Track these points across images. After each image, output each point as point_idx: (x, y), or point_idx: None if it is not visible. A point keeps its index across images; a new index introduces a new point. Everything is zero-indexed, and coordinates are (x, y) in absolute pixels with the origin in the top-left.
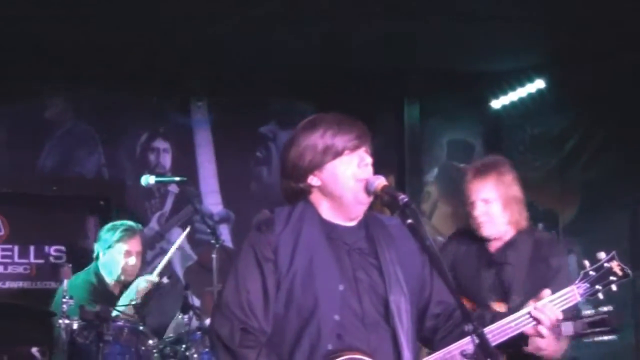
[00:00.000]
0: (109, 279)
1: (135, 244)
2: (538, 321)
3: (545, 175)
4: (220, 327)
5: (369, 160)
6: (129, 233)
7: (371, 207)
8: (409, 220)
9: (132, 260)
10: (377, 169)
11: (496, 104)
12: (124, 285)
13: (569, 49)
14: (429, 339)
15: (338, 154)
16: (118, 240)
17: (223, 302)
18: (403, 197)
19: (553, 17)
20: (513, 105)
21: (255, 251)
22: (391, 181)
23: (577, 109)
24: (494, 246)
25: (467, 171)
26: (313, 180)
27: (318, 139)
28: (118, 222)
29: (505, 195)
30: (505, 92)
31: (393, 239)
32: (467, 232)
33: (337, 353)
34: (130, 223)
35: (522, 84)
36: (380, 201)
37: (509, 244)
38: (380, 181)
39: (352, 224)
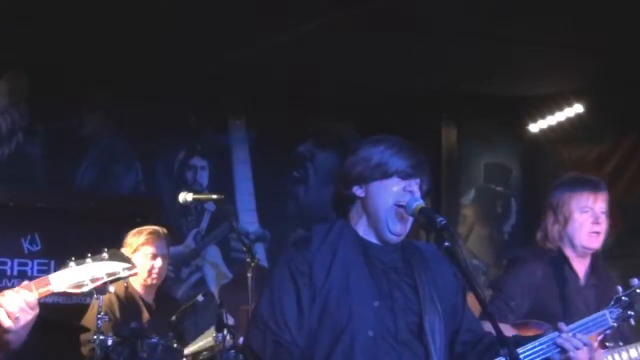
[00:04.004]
0: (135, 284)
1: (160, 247)
2: (563, 349)
3: None
4: (253, 339)
5: (415, 189)
6: (154, 236)
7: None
8: (446, 243)
9: (158, 263)
10: None
11: (534, 127)
12: (149, 288)
13: (607, 74)
14: None
15: (387, 174)
16: (144, 243)
17: (257, 315)
18: (441, 220)
19: (592, 42)
20: (551, 129)
21: (289, 266)
22: (428, 203)
23: (616, 134)
24: (578, 267)
25: (579, 181)
26: (358, 190)
27: (375, 154)
28: (143, 227)
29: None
30: (543, 116)
31: (428, 263)
32: (542, 255)
33: None
34: (155, 227)
35: (560, 108)
36: (417, 223)
37: (596, 264)
38: (418, 203)
39: (388, 245)
